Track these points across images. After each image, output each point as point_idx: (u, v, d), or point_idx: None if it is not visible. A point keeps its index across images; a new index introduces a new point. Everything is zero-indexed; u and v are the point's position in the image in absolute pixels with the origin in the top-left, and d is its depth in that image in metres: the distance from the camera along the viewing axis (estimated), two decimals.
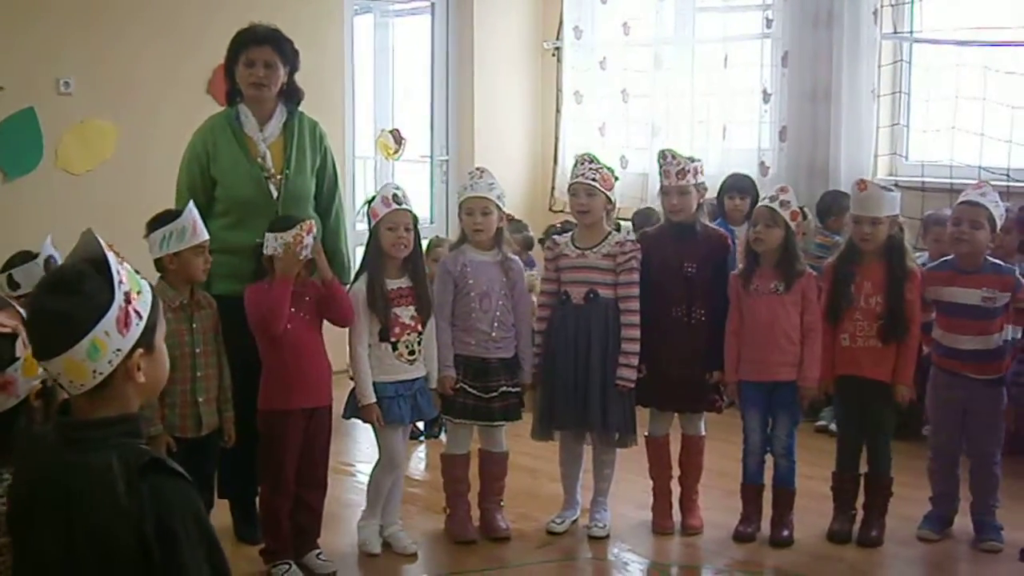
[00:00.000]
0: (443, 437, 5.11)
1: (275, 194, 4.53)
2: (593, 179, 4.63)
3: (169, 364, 2.18)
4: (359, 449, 5.88)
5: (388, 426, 4.48)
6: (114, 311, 1.98)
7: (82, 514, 1.95)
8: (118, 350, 1.99)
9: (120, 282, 1.99)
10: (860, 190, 4.63)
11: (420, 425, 6.07)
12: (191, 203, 4.20)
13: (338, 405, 4.55)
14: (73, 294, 1.98)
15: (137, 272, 2.09)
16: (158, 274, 4.11)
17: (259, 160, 4.54)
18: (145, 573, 1.94)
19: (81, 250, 2.07)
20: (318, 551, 4.42)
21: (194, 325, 4.14)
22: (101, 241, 2.04)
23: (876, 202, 4.58)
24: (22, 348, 2.45)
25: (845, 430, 4.79)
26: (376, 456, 4.66)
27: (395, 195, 4.45)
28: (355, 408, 4.50)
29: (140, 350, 2.03)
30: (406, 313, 4.49)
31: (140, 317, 2.03)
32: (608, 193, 4.65)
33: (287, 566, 4.30)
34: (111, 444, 1.99)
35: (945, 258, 4.78)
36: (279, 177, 4.55)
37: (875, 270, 4.59)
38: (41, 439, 2.11)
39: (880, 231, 4.55)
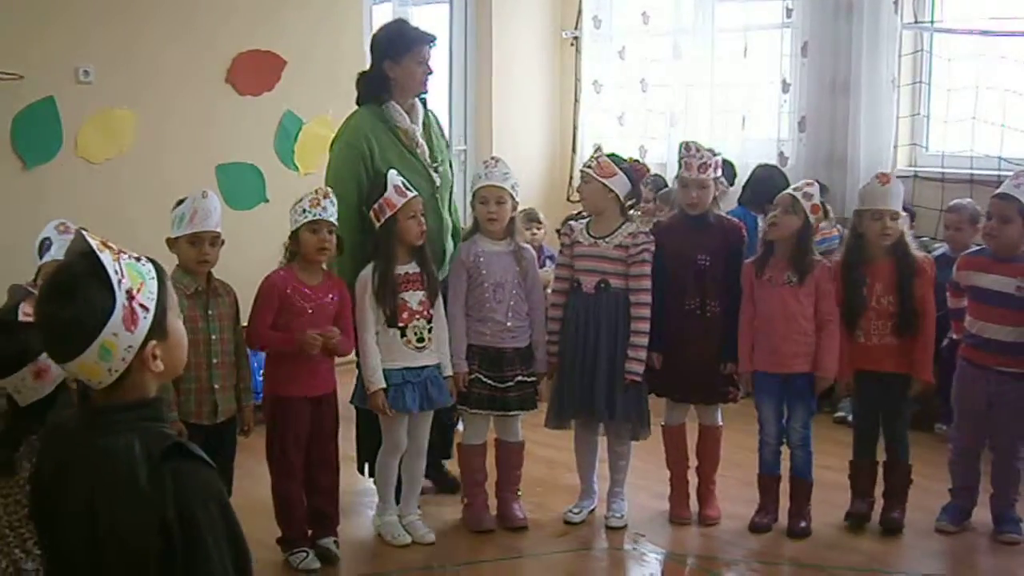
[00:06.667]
0: (460, 427, 5.10)
1: (437, 181, 4.76)
2: (589, 167, 4.64)
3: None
4: None
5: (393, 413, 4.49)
6: (118, 312, 1.95)
7: (104, 499, 1.94)
8: (129, 347, 1.97)
9: (120, 281, 1.96)
10: (883, 183, 4.59)
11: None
12: (203, 192, 4.19)
13: (347, 391, 4.58)
14: (72, 303, 1.95)
15: (138, 259, 2.04)
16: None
17: (418, 151, 4.74)
18: (167, 558, 1.92)
19: (73, 252, 2.03)
20: (334, 538, 4.44)
21: (210, 312, 4.14)
22: (92, 242, 1.98)
23: (898, 196, 4.56)
24: None
25: (862, 420, 4.78)
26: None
27: (404, 183, 4.46)
28: (363, 394, 4.50)
29: (153, 341, 2.00)
30: (414, 298, 4.49)
31: (147, 310, 1.99)
32: (604, 181, 4.60)
33: (304, 554, 4.32)
34: (134, 428, 1.98)
35: (983, 245, 4.75)
36: (435, 165, 4.78)
37: (884, 269, 4.56)
38: (64, 425, 2.11)
39: (899, 225, 4.53)
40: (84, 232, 2.03)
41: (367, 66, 4.86)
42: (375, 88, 4.76)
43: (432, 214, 4.69)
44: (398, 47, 4.72)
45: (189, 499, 1.94)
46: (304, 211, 4.26)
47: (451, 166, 5.01)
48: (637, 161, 4.78)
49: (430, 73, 4.79)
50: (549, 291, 4.93)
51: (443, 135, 5.02)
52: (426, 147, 4.78)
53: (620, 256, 4.61)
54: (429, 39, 4.80)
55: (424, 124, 4.84)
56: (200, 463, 1.99)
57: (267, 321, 4.27)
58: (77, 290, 1.95)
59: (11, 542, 2.61)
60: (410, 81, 4.74)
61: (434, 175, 4.77)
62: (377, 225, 4.44)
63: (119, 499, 1.93)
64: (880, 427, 4.71)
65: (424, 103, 4.90)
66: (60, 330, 1.96)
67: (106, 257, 1.96)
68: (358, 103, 4.84)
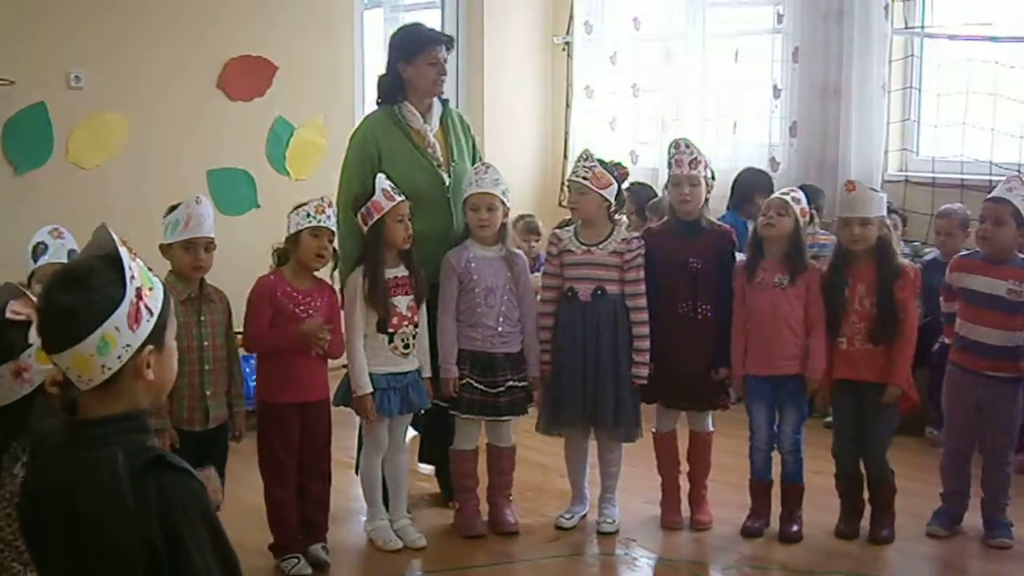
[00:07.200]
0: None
1: (447, 181, 4.76)
2: (584, 177, 4.61)
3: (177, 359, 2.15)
4: None
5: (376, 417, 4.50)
6: (125, 306, 1.96)
7: (88, 513, 1.93)
8: (127, 345, 1.97)
9: (132, 277, 1.97)
10: (849, 191, 4.59)
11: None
12: (196, 197, 4.20)
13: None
14: (84, 289, 1.96)
15: (150, 269, 2.07)
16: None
17: (429, 151, 4.76)
18: (155, 572, 1.92)
19: (94, 245, 2.05)
20: (324, 544, 4.43)
21: (202, 318, 4.14)
22: (114, 236, 2.01)
23: (865, 203, 4.53)
24: (35, 336, 2.45)
25: (840, 435, 4.70)
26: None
27: (393, 187, 4.47)
28: (345, 396, 4.51)
29: (150, 347, 2.00)
30: (403, 302, 4.49)
31: (151, 314, 2.01)
32: (601, 192, 4.60)
33: (296, 560, 4.32)
34: (117, 441, 1.97)
35: (976, 248, 4.75)
36: (450, 165, 4.79)
37: (866, 271, 4.55)
38: (49, 438, 2.10)
39: (870, 232, 4.51)
40: (107, 227, 2.05)
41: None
42: (390, 89, 4.82)
43: (440, 214, 4.71)
44: (411, 48, 4.77)
45: (172, 511, 1.93)
46: (309, 215, 4.29)
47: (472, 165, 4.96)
48: (619, 164, 4.78)
49: (444, 74, 4.81)
50: (539, 297, 4.93)
51: (468, 135, 5.01)
52: (438, 146, 4.79)
53: (615, 263, 4.61)
54: (443, 40, 4.84)
55: (444, 123, 4.86)
56: (183, 474, 1.98)
57: (264, 323, 4.28)
58: (92, 276, 1.97)
59: (8, 556, 2.60)
60: (422, 82, 4.76)
61: (444, 175, 4.77)
62: (365, 229, 4.45)
63: (104, 512, 1.92)
64: (858, 443, 4.64)
65: (445, 104, 4.92)
66: (65, 313, 1.96)
67: (124, 251, 1.99)
68: (377, 104, 4.92)
